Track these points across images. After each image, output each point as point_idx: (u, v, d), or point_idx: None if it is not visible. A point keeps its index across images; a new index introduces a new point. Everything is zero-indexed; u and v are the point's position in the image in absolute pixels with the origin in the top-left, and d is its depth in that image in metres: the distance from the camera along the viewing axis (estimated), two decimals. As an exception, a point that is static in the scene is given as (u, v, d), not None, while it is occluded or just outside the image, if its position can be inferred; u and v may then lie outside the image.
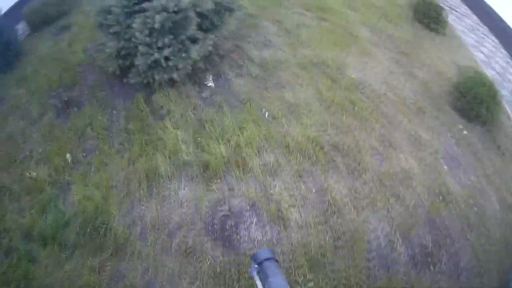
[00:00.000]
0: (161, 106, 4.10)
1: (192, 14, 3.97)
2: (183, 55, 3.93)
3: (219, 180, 3.52)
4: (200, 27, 4.17)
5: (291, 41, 5.31)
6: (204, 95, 4.24)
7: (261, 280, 1.71)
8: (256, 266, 1.77)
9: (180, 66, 3.92)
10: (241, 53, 4.90)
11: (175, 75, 3.98)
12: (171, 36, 3.88)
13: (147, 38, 3.81)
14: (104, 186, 3.64)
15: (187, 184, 3.53)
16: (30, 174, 3.89)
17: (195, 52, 3.93)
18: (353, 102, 4.41)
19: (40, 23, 5.93)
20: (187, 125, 3.90)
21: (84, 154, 3.92)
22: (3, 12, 5.66)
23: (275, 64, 4.71)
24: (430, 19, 6.53)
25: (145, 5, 3.83)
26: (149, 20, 3.77)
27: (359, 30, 5.94)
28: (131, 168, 3.67)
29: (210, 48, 4.13)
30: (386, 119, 4.39)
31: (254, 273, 1.75)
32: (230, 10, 4.57)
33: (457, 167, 4.21)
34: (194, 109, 4.07)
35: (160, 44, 3.83)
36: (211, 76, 4.40)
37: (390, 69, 5.21)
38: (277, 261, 1.80)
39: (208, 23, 4.32)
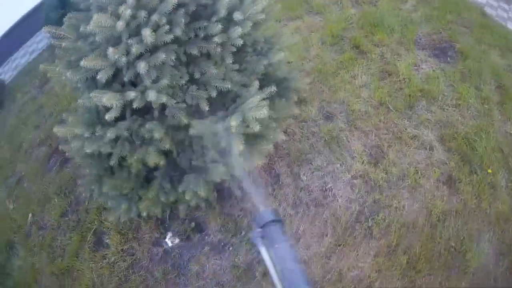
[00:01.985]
0: (105, 240, 3.47)
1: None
2: (124, 205, 2.80)
3: None
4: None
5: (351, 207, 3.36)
6: (155, 251, 3.34)
7: (265, 247, 1.46)
8: (259, 230, 1.52)
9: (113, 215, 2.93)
10: (254, 196, 3.42)
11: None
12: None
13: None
14: (32, 277, 3.68)
15: None
16: (9, 203, 4.20)
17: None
18: None
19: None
20: None
21: (41, 224, 3.89)
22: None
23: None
24: None
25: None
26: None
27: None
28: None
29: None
30: None
31: (258, 239, 1.49)
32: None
33: None
34: (128, 272, 3.32)
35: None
36: (170, 233, 3.32)
37: None
38: (281, 222, 1.55)
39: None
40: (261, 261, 3.15)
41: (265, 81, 2.78)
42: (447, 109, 4.12)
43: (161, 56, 2.13)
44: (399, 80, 4.39)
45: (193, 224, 3.35)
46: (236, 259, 3.17)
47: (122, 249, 3.39)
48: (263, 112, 2.33)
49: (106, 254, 3.40)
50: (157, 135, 2.37)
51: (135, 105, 2.21)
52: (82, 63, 2.05)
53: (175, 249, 3.31)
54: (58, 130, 2.34)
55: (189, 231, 3.33)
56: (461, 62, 4.52)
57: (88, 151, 2.34)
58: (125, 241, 3.41)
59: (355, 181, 3.52)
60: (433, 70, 4.49)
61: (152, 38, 2.06)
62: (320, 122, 3.92)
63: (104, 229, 3.52)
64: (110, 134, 2.27)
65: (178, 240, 3.32)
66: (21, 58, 7.12)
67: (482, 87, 4.25)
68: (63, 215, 3.75)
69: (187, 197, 2.64)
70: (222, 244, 3.27)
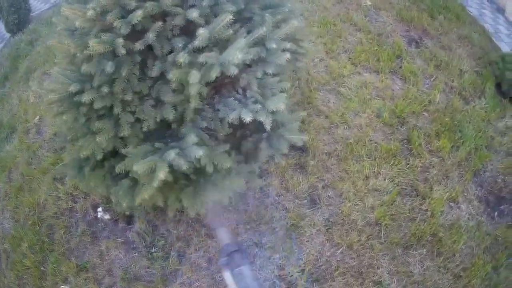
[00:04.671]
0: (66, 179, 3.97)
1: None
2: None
3: None
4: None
5: None
6: (90, 213, 3.76)
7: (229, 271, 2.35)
8: (225, 258, 2.35)
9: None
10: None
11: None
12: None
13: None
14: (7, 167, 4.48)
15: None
16: (32, 96, 4.95)
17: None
18: None
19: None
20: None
21: (40, 130, 4.59)
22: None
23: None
24: None
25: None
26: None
27: None
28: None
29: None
30: None
31: (223, 265, 2.37)
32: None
33: None
34: (62, 212, 3.80)
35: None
36: (101, 208, 3.65)
37: None
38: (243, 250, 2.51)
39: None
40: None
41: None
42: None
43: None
44: (420, 209, 3.76)
45: (128, 213, 3.63)
46: (133, 265, 3.43)
47: (71, 193, 3.89)
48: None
49: (58, 188, 3.94)
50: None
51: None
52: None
53: (102, 222, 3.69)
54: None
55: (121, 217, 3.65)
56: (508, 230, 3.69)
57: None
58: (76, 190, 3.88)
59: (277, 281, 3.29)
60: (468, 221, 3.73)
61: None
62: (300, 202, 3.69)
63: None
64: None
65: (108, 217, 3.67)
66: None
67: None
68: (57, 135, 4.37)
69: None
70: (133, 246, 3.54)
